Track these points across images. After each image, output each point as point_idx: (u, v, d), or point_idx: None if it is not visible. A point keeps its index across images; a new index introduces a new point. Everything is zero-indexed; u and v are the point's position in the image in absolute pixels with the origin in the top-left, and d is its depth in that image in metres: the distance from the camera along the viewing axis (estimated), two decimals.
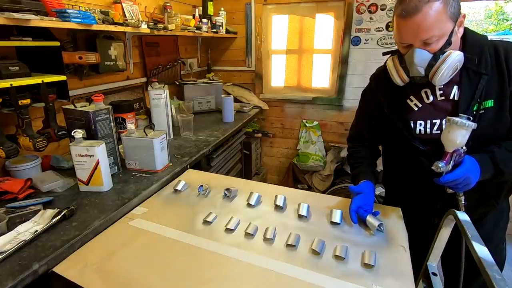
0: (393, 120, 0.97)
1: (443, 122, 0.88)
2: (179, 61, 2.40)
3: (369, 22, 2.38)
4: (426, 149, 0.92)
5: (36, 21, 1.03)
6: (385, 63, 0.95)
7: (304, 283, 0.70)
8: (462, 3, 0.82)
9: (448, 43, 0.80)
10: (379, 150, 1.17)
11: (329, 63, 2.65)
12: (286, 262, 0.77)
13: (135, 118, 1.68)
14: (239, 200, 1.08)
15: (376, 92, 1.04)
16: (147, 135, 1.24)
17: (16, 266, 0.73)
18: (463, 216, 0.69)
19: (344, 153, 2.62)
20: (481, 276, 0.53)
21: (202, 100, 2.39)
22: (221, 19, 2.46)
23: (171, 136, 1.75)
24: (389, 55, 0.95)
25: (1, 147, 1.06)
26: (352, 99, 2.59)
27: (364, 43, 2.43)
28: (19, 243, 0.79)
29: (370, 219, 0.89)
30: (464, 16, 0.81)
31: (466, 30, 0.88)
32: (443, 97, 0.89)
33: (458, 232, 0.71)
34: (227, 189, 1.10)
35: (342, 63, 2.53)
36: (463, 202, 0.84)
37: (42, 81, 1.12)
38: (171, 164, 1.35)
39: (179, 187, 1.15)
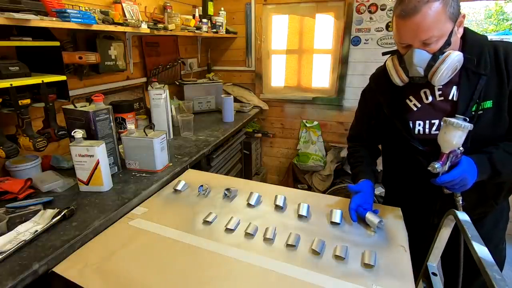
0: (392, 120, 0.97)
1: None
2: (179, 61, 2.40)
3: (369, 22, 2.38)
4: (425, 149, 0.92)
5: (36, 21, 1.03)
6: (385, 63, 0.95)
7: (304, 283, 0.70)
8: (462, 3, 0.81)
9: (447, 44, 0.80)
10: (379, 150, 1.17)
11: (329, 63, 2.65)
12: (286, 262, 0.77)
13: (135, 118, 1.68)
14: (239, 200, 1.08)
15: (376, 92, 1.04)
16: (147, 135, 1.24)
17: (16, 266, 0.73)
18: (463, 216, 0.69)
19: (344, 153, 2.62)
20: (481, 276, 0.53)
21: (202, 100, 2.39)
22: (221, 19, 2.46)
23: (171, 136, 1.75)
24: (389, 55, 0.95)
25: (1, 147, 1.06)
26: (352, 99, 2.59)
27: (364, 43, 2.44)
28: (19, 243, 0.79)
29: (369, 216, 0.89)
30: (463, 16, 0.81)
31: (466, 30, 0.88)
32: (442, 98, 0.89)
33: (457, 232, 0.71)
34: (227, 189, 1.10)
35: (342, 63, 2.53)
36: (461, 203, 0.84)
37: (42, 81, 1.12)
38: (171, 164, 1.35)
39: (179, 187, 1.15)
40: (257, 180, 2.74)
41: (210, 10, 2.38)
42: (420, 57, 0.82)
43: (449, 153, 0.78)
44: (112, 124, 1.21)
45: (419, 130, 0.93)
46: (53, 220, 0.89)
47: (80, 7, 1.43)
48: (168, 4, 2.00)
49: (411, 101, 0.95)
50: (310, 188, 2.79)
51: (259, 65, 2.79)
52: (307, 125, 2.80)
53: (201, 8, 2.38)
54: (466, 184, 0.80)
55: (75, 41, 1.48)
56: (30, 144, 1.12)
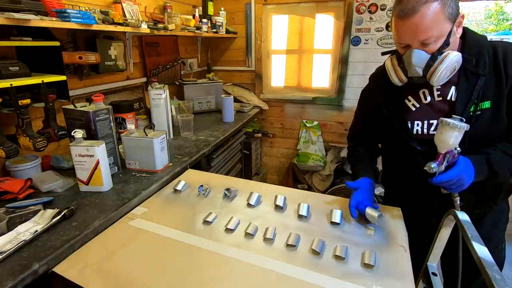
0: (391, 120, 0.97)
1: None
2: (179, 61, 2.40)
3: (369, 22, 2.38)
4: (423, 149, 0.92)
5: (36, 21, 1.03)
6: (385, 63, 0.95)
7: (304, 283, 0.70)
8: (462, 3, 0.82)
9: (446, 44, 0.80)
10: (379, 148, 1.17)
11: (329, 63, 2.65)
12: (286, 262, 0.77)
13: (135, 118, 1.68)
14: (239, 200, 1.08)
15: (375, 92, 1.04)
16: (147, 135, 1.24)
17: (16, 266, 0.73)
18: (463, 216, 0.69)
19: (344, 153, 2.62)
20: (481, 276, 0.53)
21: (202, 100, 2.39)
22: (221, 19, 2.46)
23: (171, 136, 1.75)
24: (388, 55, 0.95)
25: (1, 147, 1.06)
26: (352, 99, 2.59)
27: (364, 43, 2.44)
28: (19, 243, 0.79)
29: (369, 211, 0.89)
30: (463, 17, 0.81)
31: (466, 30, 0.88)
32: (440, 98, 0.90)
33: (456, 232, 0.71)
34: (227, 189, 1.10)
35: (342, 63, 2.53)
36: (459, 203, 0.84)
37: (42, 81, 1.12)
38: (171, 164, 1.35)
39: (179, 187, 1.15)
40: (257, 180, 2.74)
41: (210, 10, 2.38)
42: (419, 57, 0.82)
43: (446, 153, 0.78)
44: (112, 124, 1.21)
45: (417, 130, 0.93)
46: (53, 220, 0.89)
47: (80, 7, 1.43)
48: (168, 4, 2.00)
49: (409, 101, 0.95)
50: (310, 188, 2.79)
51: (259, 65, 2.79)
52: (307, 125, 2.80)
53: (201, 8, 2.38)
54: (463, 185, 0.80)
55: (75, 41, 1.48)
56: (30, 144, 1.12)
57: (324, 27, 2.57)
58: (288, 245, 0.83)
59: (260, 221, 0.95)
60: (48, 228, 0.86)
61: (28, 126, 1.14)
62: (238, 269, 0.75)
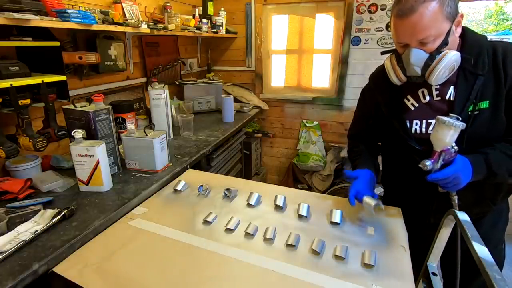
0: (390, 120, 0.97)
1: None
2: (179, 61, 2.40)
3: (369, 22, 2.38)
4: (422, 148, 0.92)
5: (36, 21, 1.03)
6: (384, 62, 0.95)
7: (304, 283, 0.70)
8: (462, 3, 0.82)
9: (444, 43, 0.80)
10: (379, 146, 1.17)
11: (329, 63, 2.65)
12: (286, 262, 0.77)
13: (135, 118, 1.68)
14: (239, 200, 1.08)
15: (375, 91, 1.04)
16: (147, 135, 1.24)
17: (16, 266, 0.73)
18: (463, 216, 0.69)
19: (344, 153, 2.62)
20: (480, 276, 0.53)
21: (202, 100, 2.39)
22: (221, 19, 2.46)
23: (171, 136, 1.75)
24: (388, 54, 0.95)
25: (1, 147, 1.06)
26: (352, 99, 2.59)
27: (364, 43, 2.44)
28: (19, 243, 0.79)
29: (366, 199, 0.89)
30: (461, 16, 0.81)
31: (466, 30, 0.88)
32: (439, 97, 0.90)
33: (454, 232, 0.71)
34: (227, 189, 1.10)
35: (342, 63, 2.53)
36: (457, 202, 0.84)
37: (42, 81, 1.12)
38: (171, 164, 1.35)
39: (179, 187, 1.15)
40: (257, 180, 2.74)
41: (210, 10, 2.38)
42: (417, 56, 0.82)
43: (441, 151, 0.78)
44: (112, 124, 1.21)
45: (416, 129, 0.93)
46: (53, 220, 0.89)
47: (80, 7, 1.43)
48: (168, 4, 2.00)
49: (408, 100, 0.95)
50: (310, 188, 2.79)
51: (259, 65, 2.79)
52: (307, 125, 2.80)
53: (201, 8, 2.38)
54: (459, 183, 0.79)
55: (75, 41, 1.48)
56: (30, 144, 1.12)
57: (324, 27, 2.57)
58: (288, 245, 0.83)
59: (260, 221, 0.95)
60: (48, 228, 0.86)
61: (28, 126, 1.14)
62: (238, 269, 0.75)
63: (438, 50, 0.81)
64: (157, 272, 0.74)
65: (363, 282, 0.70)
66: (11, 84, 1.01)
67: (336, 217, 0.94)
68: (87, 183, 1.09)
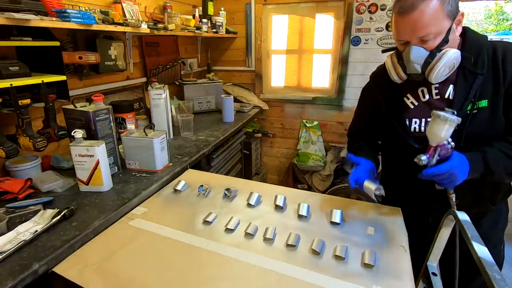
0: (389, 118, 0.97)
1: None
2: (179, 61, 2.40)
3: (369, 22, 2.38)
4: (421, 147, 0.91)
5: (36, 21, 1.03)
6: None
7: (304, 283, 0.70)
8: (462, 3, 0.82)
9: (445, 41, 0.81)
10: (379, 145, 1.18)
11: (329, 63, 2.65)
12: (286, 262, 0.77)
13: (135, 118, 1.68)
14: (239, 200, 1.08)
15: (375, 90, 1.04)
16: (147, 135, 1.24)
17: (16, 266, 0.73)
18: (463, 216, 0.69)
19: (344, 153, 2.62)
20: (480, 276, 0.53)
21: (202, 100, 2.39)
22: (221, 19, 2.46)
23: (171, 136, 1.75)
24: (389, 52, 0.95)
25: (1, 147, 1.06)
26: (352, 99, 2.59)
27: (364, 43, 2.44)
28: (19, 243, 0.79)
29: (367, 184, 0.89)
30: (462, 15, 0.82)
31: (467, 29, 0.89)
32: (438, 96, 0.90)
33: (453, 232, 0.71)
34: (227, 189, 1.10)
35: (342, 63, 2.53)
36: (454, 200, 0.83)
37: (42, 81, 1.12)
38: (171, 164, 1.35)
39: (179, 187, 1.15)
40: (257, 180, 2.74)
41: (210, 10, 2.38)
42: (418, 54, 0.82)
43: (437, 146, 0.77)
44: (112, 124, 1.21)
45: (415, 128, 0.94)
46: (53, 220, 0.89)
47: (80, 7, 1.43)
48: (168, 4, 2.00)
49: (408, 99, 0.95)
50: (310, 188, 2.79)
51: (259, 65, 2.79)
52: (307, 125, 2.80)
53: (201, 8, 2.38)
54: (455, 180, 0.79)
55: (75, 41, 1.48)
56: (30, 144, 1.12)
57: (324, 27, 2.57)
58: (288, 245, 0.83)
59: (260, 221, 0.95)
60: (48, 228, 0.86)
61: (28, 126, 1.14)
62: (238, 269, 0.75)
63: (439, 48, 0.81)
64: (157, 272, 0.74)
65: (363, 282, 0.70)
66: (11, 84, 1.01)
67: (336, 217, 0.94)
68: (87, 183, 1.09)
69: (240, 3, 2.68)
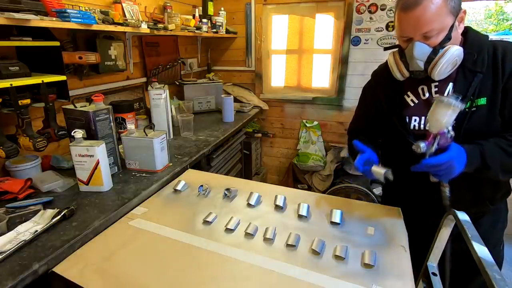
0: (389, 116, 0.97)
1: None
2: (179, 61, 2.40)
3: (369, 22, 2.38)
4: None
5: (36, 21, 1.03)
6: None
7: (304, 283, 0.70)
8: (462, 3, 0.82)
9: (448, 38, 0.81)
10: (379, 142, 1.17)
11: (329, 63, 2.65)
12: (286, 262, 0.77)
13: (135, 118, 1.68)
14: (239, 200, 1.08)
15: (376, 88, 1.05)
16: (147, 135, 1.24)
17: (16, 266, 0.73)
18: (463, 216, 0.69)
19: (344, 153, 2.62)
20: (480, 276, 0.53)
21: (202, 100, 2.39)
22: (221, 19, 2.46)
23: (171, 136, 1.75)
24: (391, 50, 0.95)
25: (1, 147, 1.06)
26: (352, 99, 2.59)
27: (364, 43, 2.44)
28: (19, 243, 0.79)
29: (375, 168, 0.88)
30: (464, 12, 0.82)
31: (469, 29, 0.89)
32: (437, 94, 0.90)
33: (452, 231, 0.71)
34: (227, 189, 1.10)
35: (342, 63, 2.53)
36: (448, 194, 0.82)
37: (42, 81, 1.12)
38: (171, 164, 1.35)
39: (179, 187, 1.15)
40: (257, 180, 2.74)
41: (210, 10, 2.38)
42: (421, 50, 0.82)
43: (437, 134, 0.76)
44: (112, 124, 1.21)
45: (414, 125, 0.94)
46: (53, 220, 0.89)
47: (80, 7, 1.43)
48: (168, 4, 2.00)
49: (409, 96, 0.96)
50: (310, 188, 2.79)
51: (259, 65, 2.79)
52: (307, 125, 2.80)
53: (201, 8, 2.38)
54: (451, 172, 0.78)
55: (75, 41, 1.48)
56: (30, 144, 1.12)
57: (324, 27, 2.57)
58: (288, 245, 0.83)
59: (260, 221, 0.95)
60: (48, 228, 0.86)
61: (28, 126, 1.14)
62: (238, 269, 0.75)
63: (441, 45, 0.81)
64: (157, 272, 0.74)
65: (363, 282, 0.70)
66: (11, 84, 1.01)
67: (336, 217, 0.94)
68: (87, 183, 1.09)
69: (240, 3, 2.68)
